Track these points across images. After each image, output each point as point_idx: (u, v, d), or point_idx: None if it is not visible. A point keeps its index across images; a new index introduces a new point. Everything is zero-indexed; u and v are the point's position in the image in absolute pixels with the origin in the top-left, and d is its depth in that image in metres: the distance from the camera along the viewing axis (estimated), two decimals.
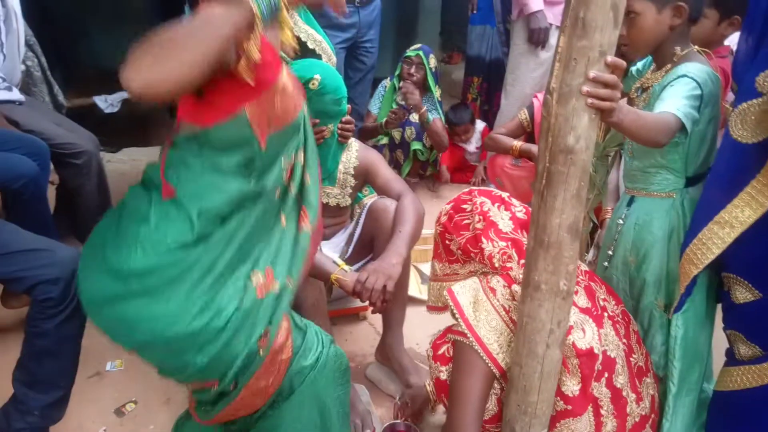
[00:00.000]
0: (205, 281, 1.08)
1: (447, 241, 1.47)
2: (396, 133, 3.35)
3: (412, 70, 3.19)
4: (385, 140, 3.40)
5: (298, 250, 1.23)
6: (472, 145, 3.53)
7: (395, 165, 3.40)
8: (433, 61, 3.21)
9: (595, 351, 1.27)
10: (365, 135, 3.30)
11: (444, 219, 1.48)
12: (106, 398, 1.82)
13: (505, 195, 1.46)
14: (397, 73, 3.28)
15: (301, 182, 1.25)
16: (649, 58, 1.64)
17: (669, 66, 1.48)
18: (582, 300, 1.33)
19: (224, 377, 1.15)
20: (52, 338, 1.39)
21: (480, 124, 3.53)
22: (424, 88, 3.23)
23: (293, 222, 1.24)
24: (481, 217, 1.39)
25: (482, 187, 1.58)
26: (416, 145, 3.29)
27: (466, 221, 1.43)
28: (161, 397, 1.88)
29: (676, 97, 1.36)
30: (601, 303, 1.38)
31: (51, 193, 2.27)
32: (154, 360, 1.14)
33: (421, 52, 3.20)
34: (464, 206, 1.45)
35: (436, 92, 3.24)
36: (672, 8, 1.41)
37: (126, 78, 0.86)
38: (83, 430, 1.74)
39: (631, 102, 1.60)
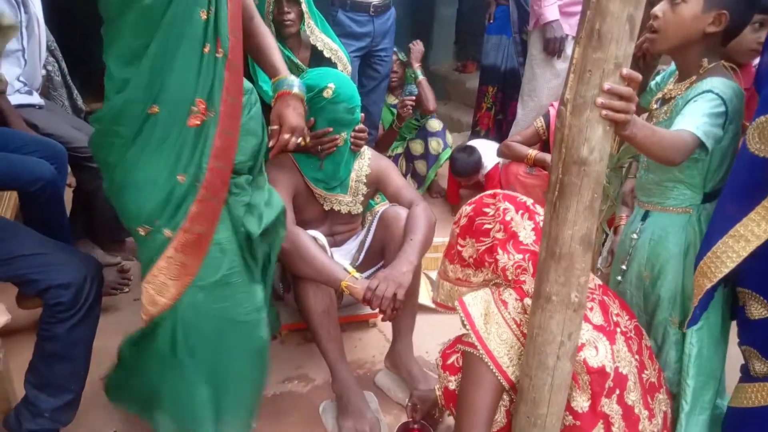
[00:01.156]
0: (139, 118, 1.28)
1: (460, 246, 1.43)
2: (417, 145, 3.36)
3: (395, 68, 3.32)
4: (399, 149, 3.42)
5: (216, 77, 1.31)
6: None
7: (413, 175, 3.41)
8: (403, 54, 3.38)
9: (607, 369, 1.25)
10: (384, 145, 3.33)
11: (464, 221, 1.43)
12: None
13: (529, 202, 1.41)
14: None
15: (217, 7, 1.30)
16: (669, 70, 1.62)
17: (694, 78, 1.44)
18: (596, 317, 1.31)
19: (164, 214, 1.32)
20: (63, 342, 1.41)
21: (491, 163, 3.26)
22: (405, 79, 3.40)
23: (212, 48, 1.31)
24: (502, 227, 1.35)
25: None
26: (447, 154, 3.31)
27: (487, 226, 1.38)
28: None
29: (698, 114, 1.34)
30: (614, 318, 1.36)
31: (68, 195, 2.30)
32: (118, 204, 1.37)
33: (395, 50, 3.32)
34: (486, 210, 1.39)
35: (418, 72, 3.29)
36: (716, 14, 1.37)
37: None
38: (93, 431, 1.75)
39: (650, 115, 1.58)
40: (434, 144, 3.34)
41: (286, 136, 1.55)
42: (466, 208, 1.44)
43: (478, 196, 1.44)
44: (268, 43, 1.63)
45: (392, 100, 3.44)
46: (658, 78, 1.68)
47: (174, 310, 1.38)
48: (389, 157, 3.38)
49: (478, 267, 1.41)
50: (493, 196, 1.41)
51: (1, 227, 1.47)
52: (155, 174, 1.31)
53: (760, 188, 1.23)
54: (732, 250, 1.27)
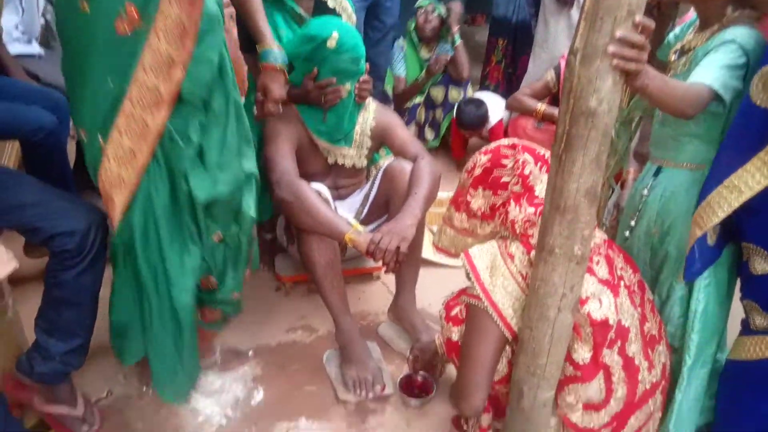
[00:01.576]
0: (72, 17, 1.29)
1: (470, 196, 1.38)
2: (438, 93, 3.32)
3: (430, 17, 3.24)
4: (419, 98, 3.37)
5: None
6: None
7: (432, 124, 3.37)
8: (443, 7, 3.30)
9: (610, 321, 1.25)
10: (404, 98, 3.29)
11: (478, 172, 1.36)
12: None
13: (548, 154, 1.35)
14: (412, 27, 3.29)
15: None
16: (690, 20, 1.56)
17: (716, 27, 1.38)
18: (602, 270, 1.31)
19: (95, 120, 1.34)
20: (69, 289, 1.42)
21: (495, 118, 3.21)
22: (439, 35, 3.31)
23: None
24: (520, 180, 1.31)
25: None
26: None
27: (505, 179, 1.33)
28: None
29: (715, 66, 1.29)
30: (619, 272, 1.36)
31: (71, 147, 2.29)
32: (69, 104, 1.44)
33: (434, 1, 3.25)
34: (505, 162, 1.34)
35: (457, 37, 3.25)
36: None
37: None
38: (103, 376, 1.80)
39: (668, 67, 1.53)
40: (454, 93, 3.30)
41: (271, 107, 1.75)
42: (482, 158, 1.37)
43: (494, 146, 1.38)
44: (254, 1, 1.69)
45: (425, 53, 3.36)
46: (677, 29, 1.62)
47: (119, 230, 1.44)
48: (406, 108, 3.35)
49: (485, 219, 1.39)
50: (513, 147, 1.35)
51: (4, 176, 1.47)
52: (88, 76, 1.33)
53: (759, 139, 1.20)
54: (725, 201, 1.25)
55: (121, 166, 1.36)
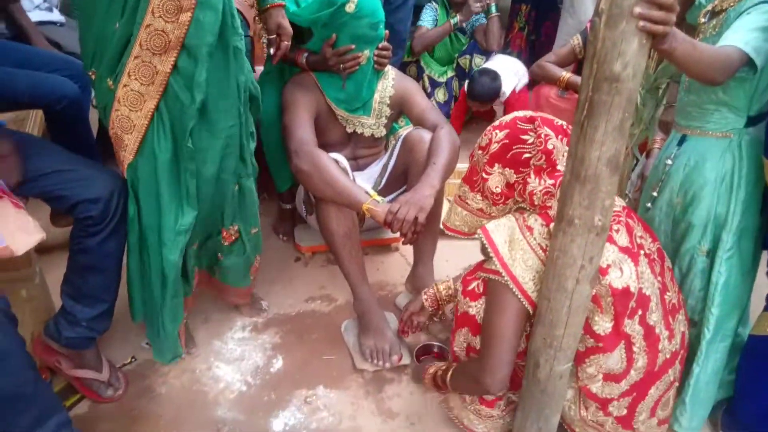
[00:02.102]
0: None
1: (486, 174, 1.32)
2: (466, 60, 3.25)
3: None
4: (450, 72, 3.30)
5: None
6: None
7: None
8: None
9: (631, 289, 1.23)
10: (429, 43, 3.19)
11: (495, 148, 1.29)
12: None
13: (565, 124, 1.29)
14: None
15: None
16: None
17: None
18: (622, 239, 1.28)
19: (102, 62, 1.38)
20: (94, 255, 1.45)
21: (508, 88, 3.10)
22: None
23: None
24: (543, 156, 1.25)
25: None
26: None
27: (527, 155, 1.27)
28: (200, 316, 1.97)
29: (748, 28, 1.23)
30: (638, 241, 1.33)
31: (94, 115, 2.31)
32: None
33: None
34: (525, 137, 1.27)
35: (493, 7, 3.13)
36: None
37: None
38: (127, 342, 1.85)
39: (697, 30, 1.47)
40: (478, 60, 3.23)
41: (286, 43, 1.74)
42: (498, 134, 1.30)
43: (509, 119, 1.31)
44: None
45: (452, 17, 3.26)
46: None
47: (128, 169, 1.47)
48: (442, 82, 3.29)
49: (503, 196, 1.34)
50: (530, 120, 1.28)
51: (29, 145, 1.49)
52: (95, 17, 1.35)
53: None
54: None
55: (131, 110, 1.40)
